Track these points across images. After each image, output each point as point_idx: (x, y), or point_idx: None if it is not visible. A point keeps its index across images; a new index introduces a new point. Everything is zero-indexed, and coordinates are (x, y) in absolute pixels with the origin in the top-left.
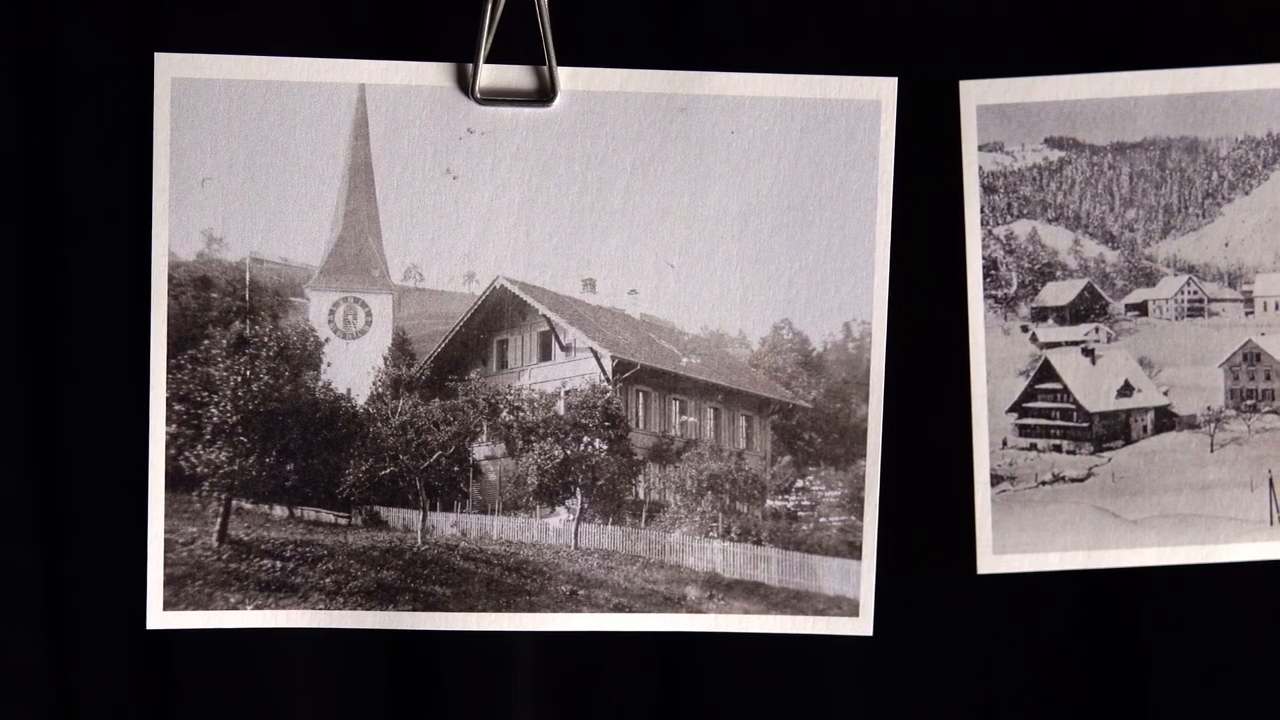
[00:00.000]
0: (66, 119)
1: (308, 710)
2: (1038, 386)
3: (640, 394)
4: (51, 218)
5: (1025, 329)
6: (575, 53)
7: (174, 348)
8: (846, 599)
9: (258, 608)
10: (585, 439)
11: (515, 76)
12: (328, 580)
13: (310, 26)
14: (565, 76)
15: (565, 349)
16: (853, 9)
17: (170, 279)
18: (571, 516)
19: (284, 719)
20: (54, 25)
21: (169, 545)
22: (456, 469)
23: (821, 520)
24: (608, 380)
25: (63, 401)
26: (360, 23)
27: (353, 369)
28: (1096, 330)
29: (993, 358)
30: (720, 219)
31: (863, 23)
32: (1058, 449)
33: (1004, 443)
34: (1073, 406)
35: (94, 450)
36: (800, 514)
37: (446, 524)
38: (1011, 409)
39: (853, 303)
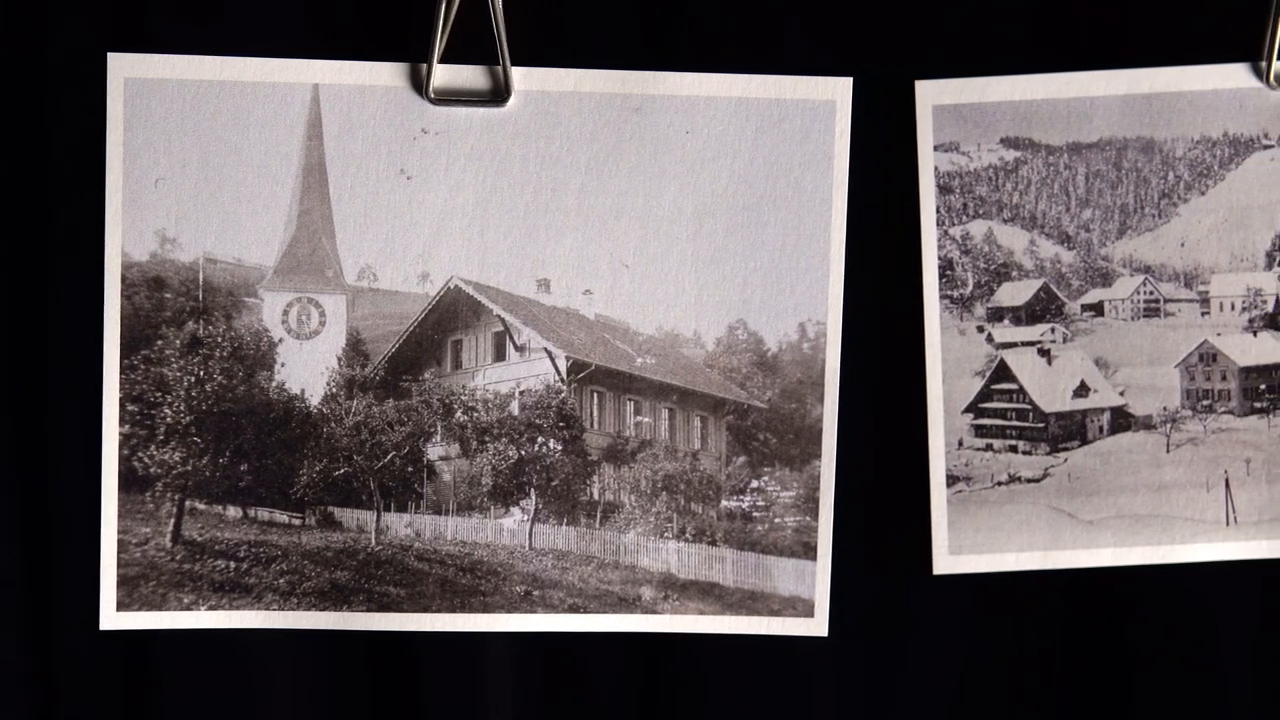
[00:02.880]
0: (19, 119)
1: (287, 712)
2: (993, 387)
3: (595, 394)
4: (4, 219)
5: (981, 329)
6: (529, 52)
7: (127, 348)
8: (802, 599)
9: (211, 608)
10: (540, 439)
11: (469, 76)
12: (281, 581)
13: (264, 26)
14: (519, 76)
15: (520, 349)
16: (808, 9)
17: (124, 279)
18: (526, 517)
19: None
20: (5, 26)
21: (122, 546)
22: (411, 469)
23: (776, 521)
24: (562, 381)
25: (16, 401)
26: (314, 22)
27: (307, 369)
28: (1052, 330)
29: (948, 358)
30: (675, 219)
31: (818, 23)
32: (1014, 449)
33: (960, 443)
34: (1029, 407)
35: (47, 450)
36: (755, 514)
37: (401, 524)
38: (967, 409)
39: (808, 303)
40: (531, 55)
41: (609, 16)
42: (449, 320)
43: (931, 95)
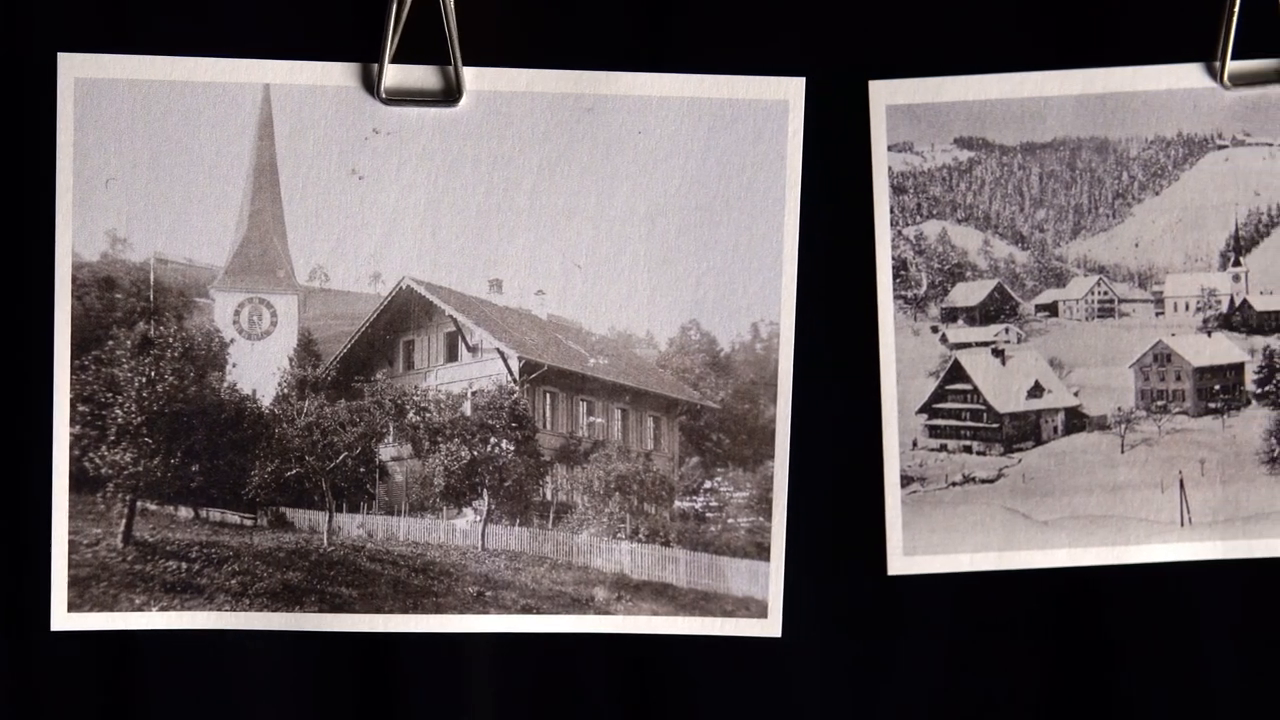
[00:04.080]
0: None
1: (269, 713)
2: (948, 387)
3: (547, 395)
4: None
5: (935, 329)
6: (481, 52)
7: (78, 348)
8: (755, 600)
9: (163, 609)
10: (492, 440)
11: (421, 76)
12: (233, 582)
13: (215, 27)
14: (471, 76)
15: (472, 350)
16: (761, 9)
17: (74, 279)
18: (478, 518)
19: None
20: None
21: (73, 547)
22: (363, 470)
23: (730, 521)
24: (515, 381)
25: None
26: (265, 23)
27: (258, 370)
28: (1006, 331)
29: (902, 358)
30: (627, 219)
31: (771, 23)
32: (968, 450)
33: (914, 444)
34: (983, 407)
35: None
36: (708, 515)
37: (353, 525)
38: (921, 410)
39: (761, 303)
40: (483, 55)
41: (561, 16)
42: (401, 321)
43: (885, 95)
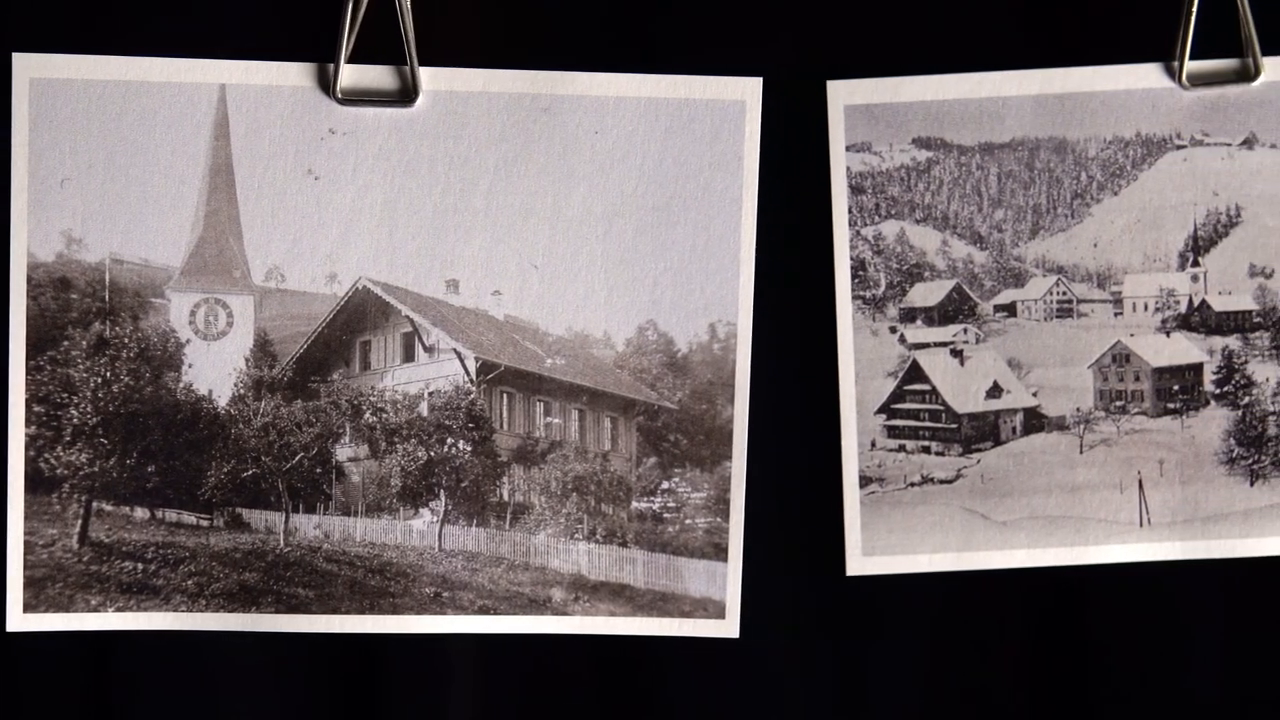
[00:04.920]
0: None
1: (252, 715)
2: (906, 388)
3: (504, 395)
4: None
5: (894, 330)
6: (437, 53)
7: (33, 349)
8: (713, 601)
9: (119, 610)
10: (449, 440)
11: (377, 76)
12: (190, 582)
13: (170, 27)
14: (427, 77)
15: (428, 350)
16: (718, 9)
17: (29, 280)
18: (435, 518)
19: None
20: None
21: (29, 547)
22: (319, 470)
23: (687, 522)
24: (471, 382)
25: None
26: (220, 23)
27: (214, 370)
28: (965, 331)
29: (861, 359)
30: (584, 220)
31: (729, 23)
32: (926, 450)
33: (872, 444)
34: (941, 408)
35: None
36: (666, 516)
37: (309, 526)
38: (880, 410)
39: (718, 304)
40: (439, 55)
41: (518, 16)
42: (357, 321)
43: (843, 95)
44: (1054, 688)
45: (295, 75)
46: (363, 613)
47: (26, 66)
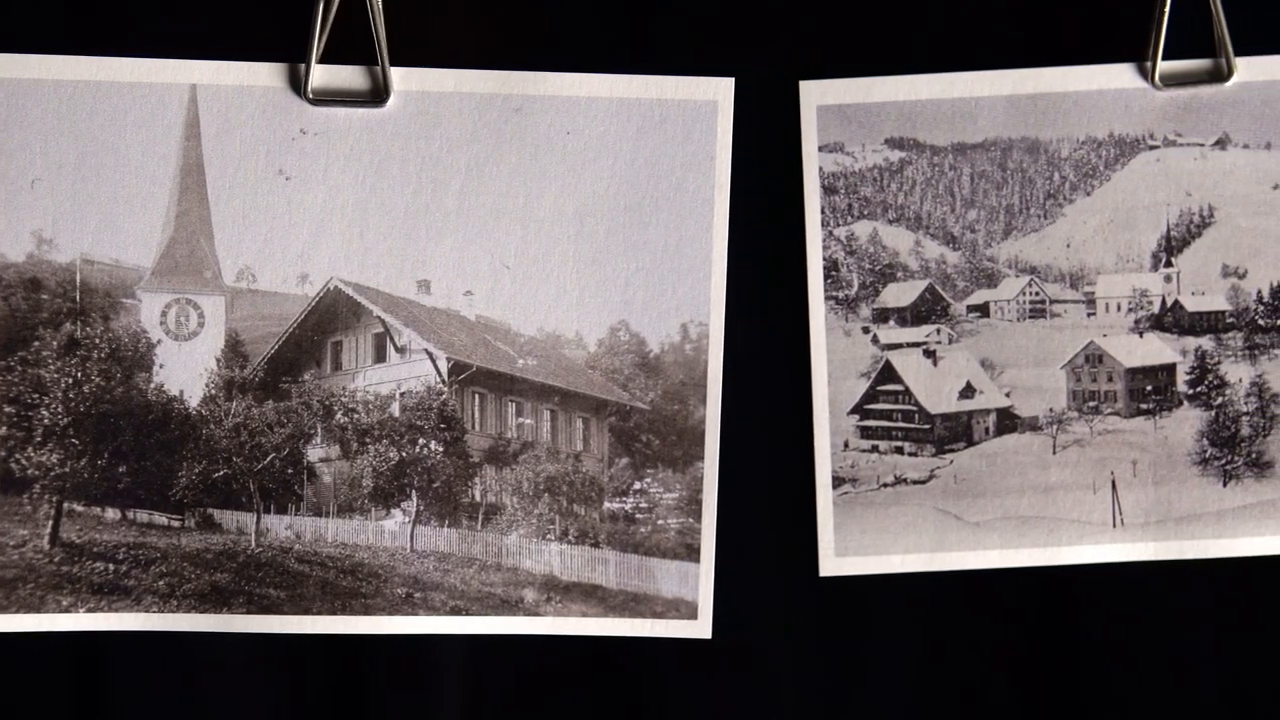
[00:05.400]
0: None
1: (239, 716)
2: (879, 388)
3: (476, 396)
4: None
5: (866, 330)
6: (409, 53)
7: (4, 349)
8: (685, 602)
9: (90, 610)
10: (421, 441)
11: (348, 77)
12: (161, 583)
13: (140, 27)
14: (398, 77)
15: (400, 350)
16: (690, 9)
17: (0, 280)
18: (407, 519)
19: None
20: None
21: (0, 548)
22: (290, 471)
23: (660, 523)
24: (443, 382)
25: None
26: (191, 22)
27: (185, 371)
28: (938, 331)
29: (834, 359)
30: (556, 220)
31: (701, 23)
32: (899, 451)
33: (845, 444)
34: (914, 408)
35: None
36: (638, 516)
37: (281, 526)
38: (853, 411)
39: (690, 304)
40: (411, 55)
41: (490, 16)
42: (329, 321)
43: (816, 95)
44: (1028, 686)
45: (266, 75)
46: (334, 613)
47: None
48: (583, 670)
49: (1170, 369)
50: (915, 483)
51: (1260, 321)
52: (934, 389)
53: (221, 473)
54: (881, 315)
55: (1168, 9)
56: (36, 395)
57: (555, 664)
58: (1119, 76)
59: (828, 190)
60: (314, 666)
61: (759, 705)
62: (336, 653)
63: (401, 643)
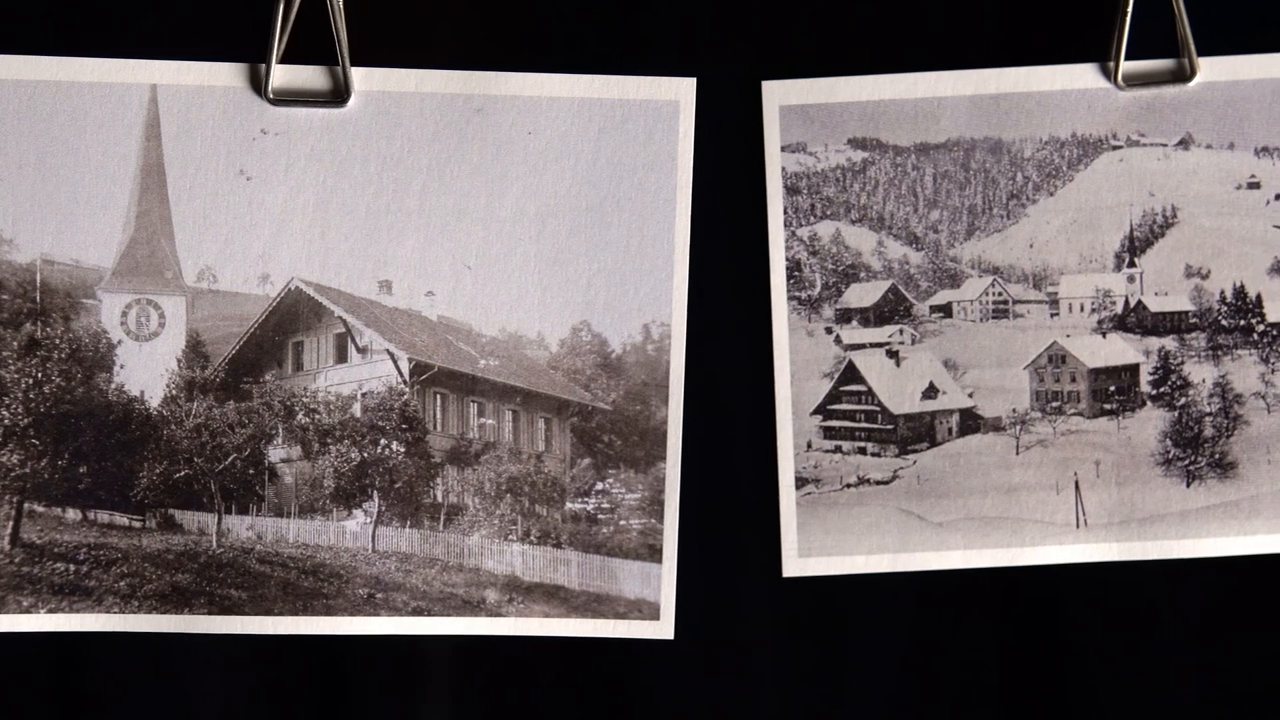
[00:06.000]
0: None
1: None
2: (842, 388)
3: (438, 396)
4: None
5: (829, 330)
6: (369, 53)
7: None
8: (647, 602)
9: (51, 611)
10: (382, 441)
11: (309, 77)
12: (122, 584)
13: (101, 26)
14: (359, 77)
15: (361, 351)
16: (653, 9)
17: None
18: (369, 519)
19: None
20: None
21: None
22: (252, 472)
23: (622, 523)
24: (405, 382)
25: None
26: (151, 22)
27: (146, 371)
28: (901, 332)
29: (797, 359)
30: (518, 220)
31: (663, 23)
32: (862, 451)
33: (808, 445)
34: (877, 408)
35: None
36: (600, 517)
37: (242, 527)
38: (816, 411)
39: (652, 304)
40: (372, 55)
41: (451, 16)
42: (290, 322)
43: (778, 95)
44: (994, 686)
45: (227, 75)
46: (296, 614)
47: None
48: (558, 670)
49: (1133, 369)
50: (878, 483)
51: (1223, 322)
52: (897, 389)
53: (182, 473)
54: (844, 315)
55: (1130, 9)
56: None
57: (534, 664)
58: (1082, 77)
59: (790, 190)
60: (286, 666)
61: (718, 707)
62: (313, 653)
63: (380, 642)
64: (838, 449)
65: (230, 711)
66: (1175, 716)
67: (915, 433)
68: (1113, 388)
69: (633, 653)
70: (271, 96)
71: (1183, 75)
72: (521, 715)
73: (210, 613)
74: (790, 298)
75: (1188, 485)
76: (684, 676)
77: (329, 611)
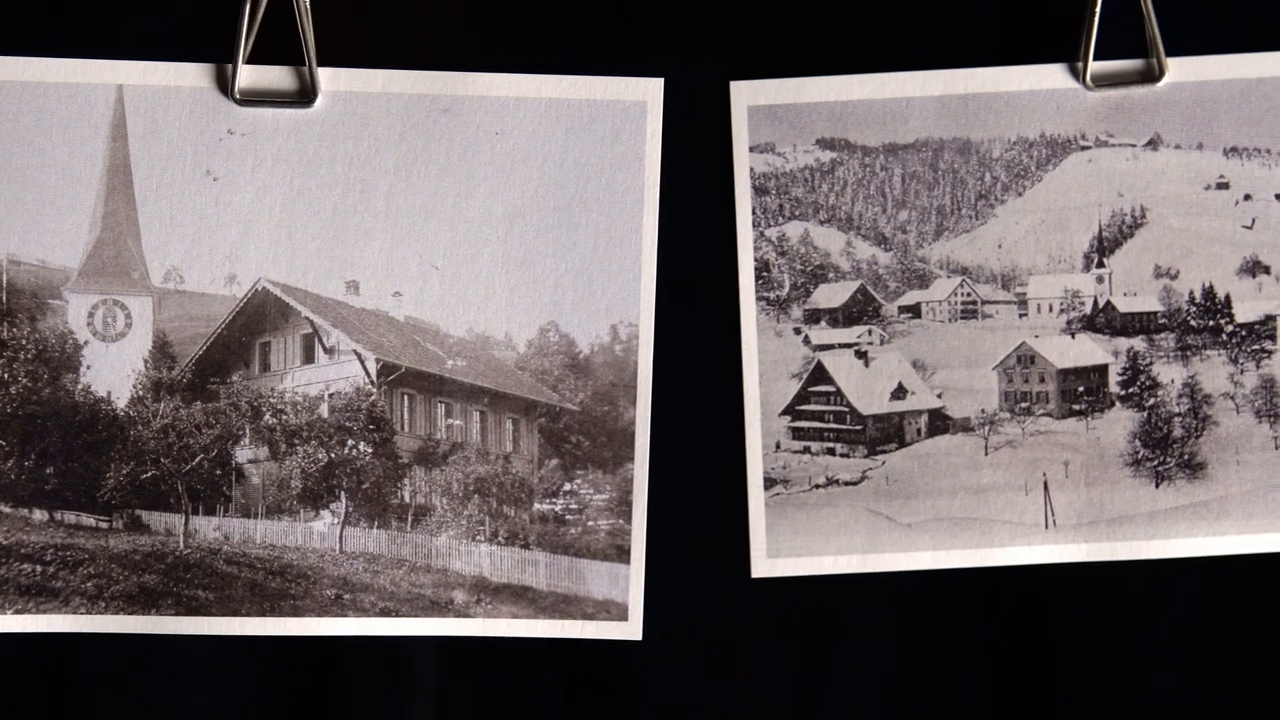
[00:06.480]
0: None
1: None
2: (811, 389)
3: (405, 397)
4: None
5: (798, 331)
6: (336, 53)
7: None
8: (615, 603)
9: (18, 612)
10: (350, 442)
11: (276, 77)
12: (89, 585)
13: (66, 27)
14: (326, 77)
15: (329, 351)
16: (621, 9)
17: None
18: (336, 520)
19: None
20: None
21: None
22: (219, 472)
23: (590, 524)
24: (372, 383)
25: None
26: (117, 23)
27: (113, 372)
28: (869, 332)
29: (765, 360)
30: (485, 221)
31: (631, 23)
32: (831, 452)
33: (777, 445)
34: (846, 409)
35: None
36: (568, 517)
37: (209, 528)
38: (784, 412)
39: (620, 305)
40: (339, 56)
41: (418, 16)
42: (257, 322)
43: (747, 96)
44: (963, 686)
45: (193, 76)
46: (263, 615)
47: None
48: (525, 671)
49: (1102, 370)
50: (847, 484)
51: (1192, 322)
52: (866, 390)
53: (149, 474)
54: (813, 316)
55: (1099, 9)
56: None
57: (502, 665)
58: (1050, 77)
59: (759, 191)
60: (259, 666)
61: (687, 707)
62: (288, 653)
63: (351, 643)
64: (806, 450)
65: (208, 711)
66: (1155, 716)
67: (884, 433)
68: (1081, 388)
69: (601, 654)
70: (238, 97)
71: (1151, 75)
72: (488, 716)
73: (178, 613)
74: (759, 298)
75: (1157, 486)
76: (652, 677)
77: (296, 612)
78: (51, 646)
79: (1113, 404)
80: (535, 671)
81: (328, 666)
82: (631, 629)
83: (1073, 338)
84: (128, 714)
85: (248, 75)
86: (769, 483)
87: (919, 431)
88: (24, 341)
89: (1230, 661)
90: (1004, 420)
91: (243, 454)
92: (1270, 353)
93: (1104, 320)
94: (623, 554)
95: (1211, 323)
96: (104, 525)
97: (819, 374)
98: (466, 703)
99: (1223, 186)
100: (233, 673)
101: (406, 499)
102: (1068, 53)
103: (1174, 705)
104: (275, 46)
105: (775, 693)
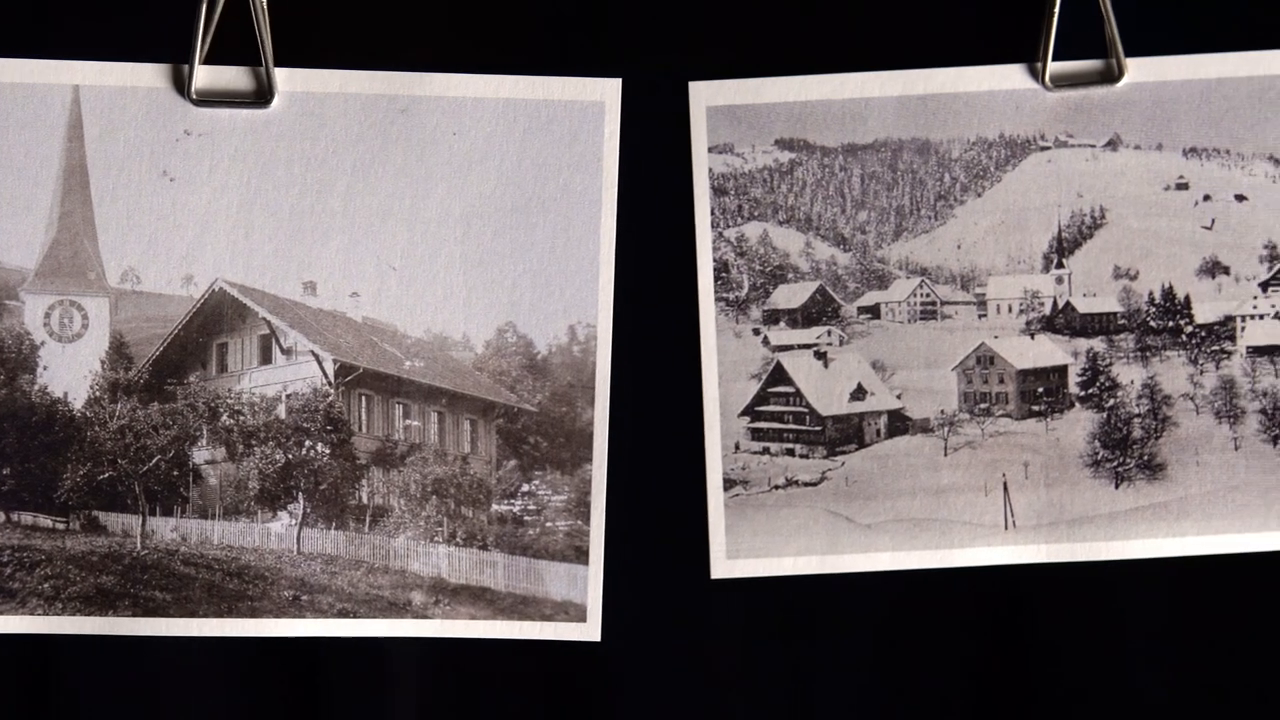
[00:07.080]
0: None
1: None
2: (770, 390)
3: (363, 398)
4: None
5: (757, 332)
6: (293, 53)
7: None
8: (574, 604)
9: None
10: (307, 443)
11: (232, 78)
12: (46, 586)
13: (22, 27)
14: (283, 78)
15: (286, 352)
16: (578, 8)
17: None
18: (294, 521)
19: None
20: None
21: None
22: (176, 473)
23: (548, 525)
24: (329, 384)
25: None
26: (73, 23)
27: (69, 372)
28: (829, 333)
29: (724, 360)
30: (443, 221)
31: (588, 23)
32: (790, 453)
33: (736, 446)
34: (805, 410)
35: None
36: (527, 518)
37: (166, 529)
38: (744, 412)
39: (577, 305)
40: (295, 56)
41: (375, 16)
42: (214, 323)
43: (705, 96)
44: (928, 687)
45: (149, 76)
46: (221, 616)
47: None
48: (484, 672)
49: (1062, 370)
50: (806, 485)
51: (1152, 323)
52: (825, 391)
53: (106, 475)
54: (772, 317)
55: (1058, 9)
56: None
57: (461, 666)
58: (1009, 77)
59: (718, 191)
60: (231, 667)
61: (645, 708)
62: (284, 654)
63: (312, 644)
64: (766, 450)
65: (177, 712)
66: (1124, 715)
67: (843, 434)
68: (1041, 389)
69: (560, 655)
70: (195, 97)
71: (1111, 76)
72: (463, 716)
73: (135, 614)
74: (718, 299)
75: (1116, 487)
76: (611, 678)
77: (254, 613)
78: (12, 646)
79: (1072, 405)
80: (501, 671)
81: (297, 666)
82: (590, 630)
83: (1032, 338)
84: (96, 716)
85: (204, 76)
86: (728, 484)
87: (878, 432)
88: None
89: (1199, 661)
90: (963, 421)
91: (200, 455)
92: (1230, 353)
93: (1063, 321)
94: (581, 555)
95: (1171, 323)
96: (61, 526)
97: (778, 375)
98: (443, 705)
99: (1182, 187)
100: (202, 673)
101: (364, 500)
102: (1027, 53)
103: (1142, 704)
104: (232, 47)
105: (735, 694)
